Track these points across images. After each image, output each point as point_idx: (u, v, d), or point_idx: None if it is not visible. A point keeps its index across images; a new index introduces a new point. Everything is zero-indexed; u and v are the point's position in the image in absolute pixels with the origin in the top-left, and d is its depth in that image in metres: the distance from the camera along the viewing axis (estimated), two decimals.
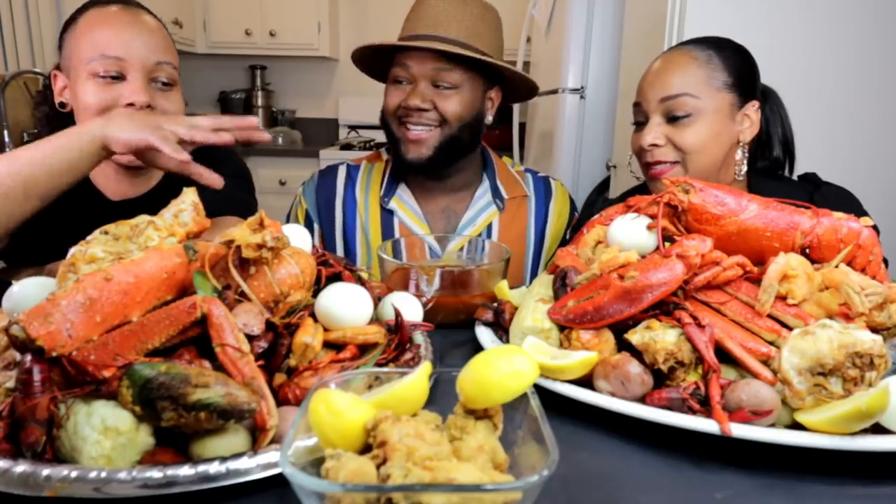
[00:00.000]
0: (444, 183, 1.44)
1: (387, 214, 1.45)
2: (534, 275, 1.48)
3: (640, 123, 1.24)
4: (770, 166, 1.28)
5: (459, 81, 1.32)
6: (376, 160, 1.52)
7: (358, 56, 1.39)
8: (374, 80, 1.50)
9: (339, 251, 1.47)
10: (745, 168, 1.23)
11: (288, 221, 1.47)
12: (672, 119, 1.17)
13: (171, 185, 1.29)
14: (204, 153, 1.36)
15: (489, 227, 1.45)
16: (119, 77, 1.13)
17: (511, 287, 0.93)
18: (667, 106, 1.17)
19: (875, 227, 0.83)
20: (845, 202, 1.22)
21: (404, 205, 1.45)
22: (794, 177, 1.32)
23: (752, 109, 1.20)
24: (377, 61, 1.42)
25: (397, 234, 1.42)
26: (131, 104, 1.12)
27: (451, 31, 1.31)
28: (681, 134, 1.16)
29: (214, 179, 1.00)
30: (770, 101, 1.26)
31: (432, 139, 1.34)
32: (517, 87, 1.44)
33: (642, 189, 1.35)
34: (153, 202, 1.14)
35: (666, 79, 1.18)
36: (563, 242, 1.49)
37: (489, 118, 1.42)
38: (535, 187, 1.51)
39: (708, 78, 1.17)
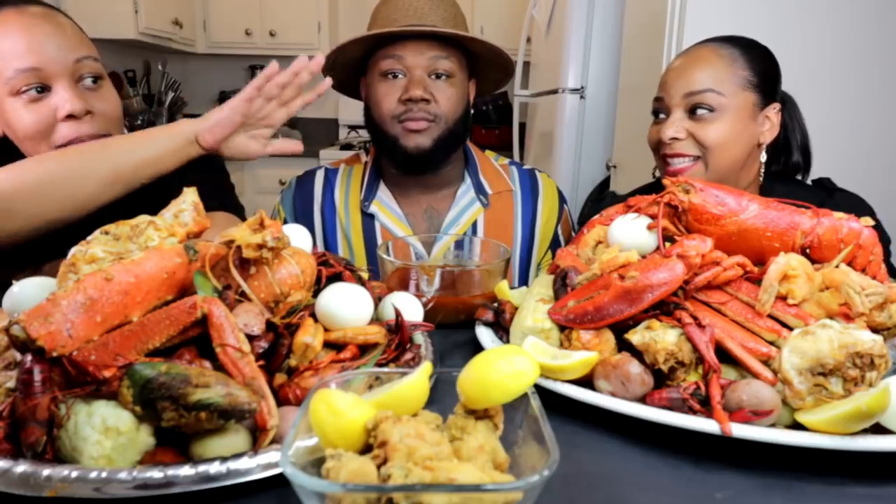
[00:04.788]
0: (426, 182, 1.41)
1: (368, 219, 1.41)
2: (523, 271, 1.46)
3: (660, 117, 1.23)
4: (786, 170, 1.28)
5: (453, 70, 1.31)
6: (355, 162, 1.49)
7: (334, 59, 1.32)
8: (340, 94, 1.46)
9: None
10: (762, 170, 1.22)
11: None
12: (694, 114, 1.16)
13: (160, 188, 1.26)
14: None
15: (474, 224, 1.42)
16: (43, 87, 1.02)
17: None
18: (690, 101, 1.16)
19: (877, 227, 0.83)
20: (858, 209, 1.21)
21: (385, 208, 1.42)
22: (809, 181, 1.31)
23: (773, 112, 1.20)
24: (348, 69, 1.38)
25: (380, 239, 1.40)
26: (70, 116, 1.03)
27: (437, 21, 1.30)
28: (703, 129, 1.16)
29: (295, 146, 1.16)
30: (788, 107, 1.25)
31: (432, 131, 1.32)
32: (488, 78, 1.43)
33: (651, 189, 1.34)
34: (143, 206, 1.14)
35: (691, 74, 1.17)
36: (555, 237, 1.48)
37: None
38: (520, 181, 1.48)
39: (733, 75, 1.16)
